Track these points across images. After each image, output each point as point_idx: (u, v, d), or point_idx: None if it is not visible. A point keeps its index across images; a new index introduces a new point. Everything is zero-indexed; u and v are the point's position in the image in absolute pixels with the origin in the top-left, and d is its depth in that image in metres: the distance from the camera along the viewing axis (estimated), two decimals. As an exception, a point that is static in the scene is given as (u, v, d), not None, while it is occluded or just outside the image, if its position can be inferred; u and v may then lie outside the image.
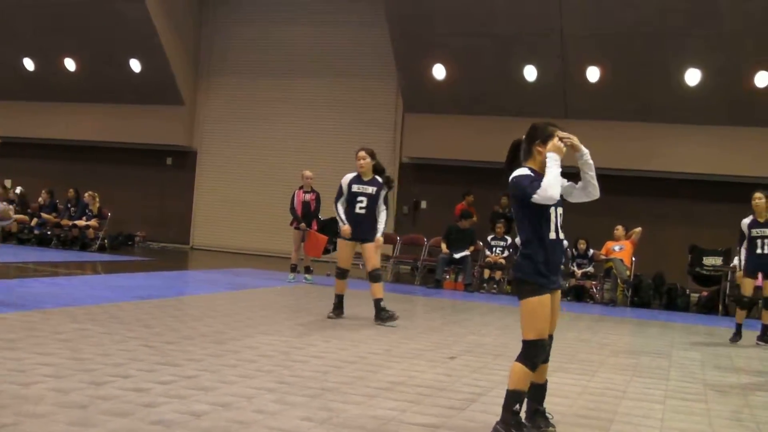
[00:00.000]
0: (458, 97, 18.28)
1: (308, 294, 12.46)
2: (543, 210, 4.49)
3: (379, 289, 9.26)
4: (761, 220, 10.02)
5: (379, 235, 9.34)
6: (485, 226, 16.72)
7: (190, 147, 21.83)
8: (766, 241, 9.96)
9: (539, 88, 17.47)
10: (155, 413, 4.50)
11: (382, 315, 9.24)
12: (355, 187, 9.34)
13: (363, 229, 9.30)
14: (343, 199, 9.45)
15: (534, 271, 4.48)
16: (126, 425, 4.22)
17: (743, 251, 10.25)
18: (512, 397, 4.44)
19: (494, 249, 15.78)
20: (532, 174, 4.49)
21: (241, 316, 8.96)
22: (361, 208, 9.29)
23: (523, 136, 4.69)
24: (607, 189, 19.95)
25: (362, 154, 9.37)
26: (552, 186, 4.37)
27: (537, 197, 4.37)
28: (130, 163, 22.06)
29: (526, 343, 4.47)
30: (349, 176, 9.44)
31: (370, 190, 9.32)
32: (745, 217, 10.22)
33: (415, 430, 4.61)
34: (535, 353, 4.47)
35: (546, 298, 4.47)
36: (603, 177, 17.96)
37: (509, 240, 15.67)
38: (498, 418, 4.49)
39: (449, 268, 15.80)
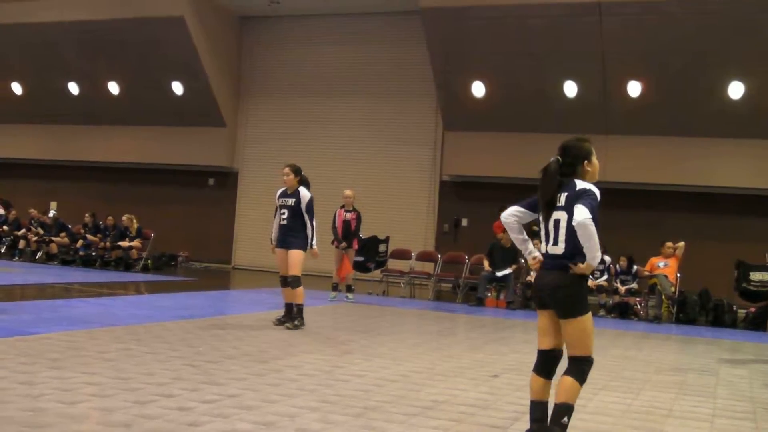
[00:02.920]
0: (498, 114, 18.24)
1: (349, 313, 12.46)
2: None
3: (295, 294, 9.76)
4: None
5: (314, 246, 9.88)
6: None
7: (231, 167, 22.04)
8: None
9: (580, 104, 17.37)
10: (198, 432, 4.52)
11: (296, 320, 9.75)
12: (279, 200, 9.95)
13: (287, 237, 9.82)
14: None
15: (587, 288, 4.51)
16: (169, 444, 4.25)
17: None
18: (563, 411, 4.45)
19: (536, 268, 15.63)
20: (597, 195, 4.47)
21: (282, 335, 8.99)
22: (284, 218, 9.83)
23: (558, 158, 4.63)
24: (650, 205, 19.74)
25: (286, 170, 9.99)
26: (593, 242, 4.36)
27: (581, 221, 4.33)
28: (173, 184, 22.33)
29: (584, 360, 4.48)
30: (279, 190, 10.09)
31: (290, 201, 9.83)
32: None
33: (458, 449, 4.58)
34: (590, 370, 4.51)
35: None
36: (645, 192, 17.79)
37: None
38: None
39: (491, 286, 15.71)
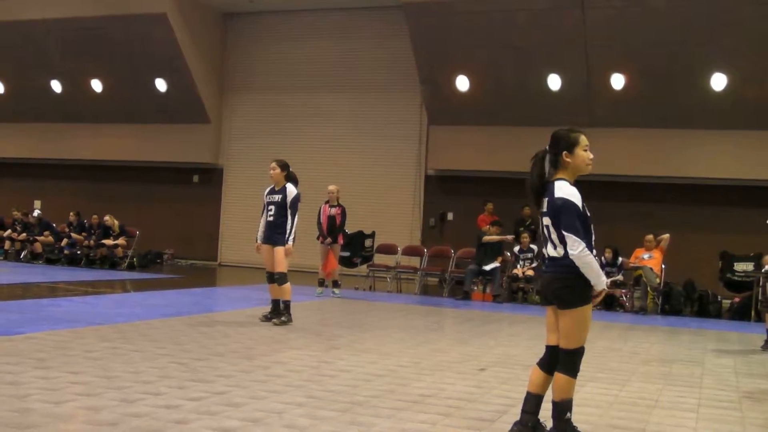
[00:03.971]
0: (483, 108, 18.26)
1: (336, 308, 12.47)
2: (588, 223, 4.49)
3: (282, 291, 9.73)
4: None
5: (289, 242, 9.77)
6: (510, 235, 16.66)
7: (216, 164, 21.99)
8: None
9: (564, 97, 17.42)
10: (186, 430, 4.51)
11: (283, 317, 9.73)
12: (267, 198, 9.95)
13: (273, 234, 9.80)
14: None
15: (587, 281, 4.49)
16: (157, 442, 4.24)
17: None
18: (562, 408, 4.48)
19: (523, 262, 15.67)
20: (577, 204, 4.44)
21: (270, 332, 8.98)
22: (270, 215, 9.82)
23: (547, 147, 4.65)
24: (635, 197, 19.76)
25: (273, 165, 10.00)
26: (592, 269, 4.39)
27: (574, 256, 4.37)
28: (157, 181, 22.26)
29: (572, 352, 4.47)
30: (266, 188, 10.09)
31: (277, 198, 9.81)
32: None
33: (446, 443, 4.59)
34: (579, 360, 4.51)
35: None
36: (629, 185, 17.83)
37: (536, 249, 15.55)
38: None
39: (477, 280, 15.74)
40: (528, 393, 4.65)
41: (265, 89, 21.61)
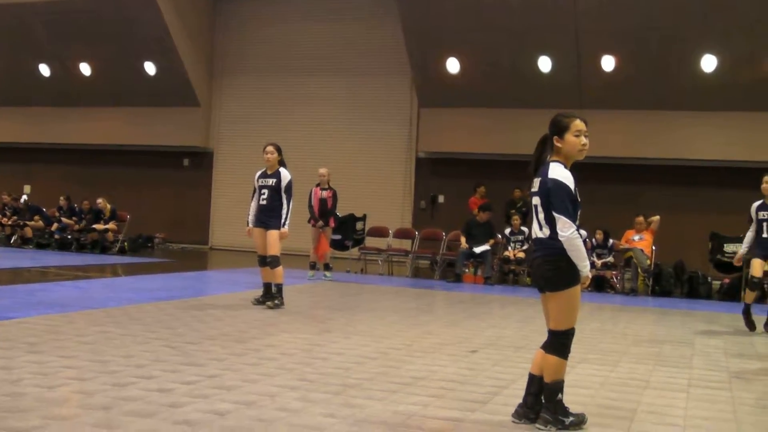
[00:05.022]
0: (473, 90, 18.24)
1: (328, 291, 12.48)
2: (577, 205, 4.50)
3: (274, 274, 9.72)
4: None
5: (285, 226, 9.76)
6: (502, 218, 16.68)
7: (206, 148, 21.92)
8: None
9: (554, 79, 17.40)
10: (179, 413, 4.52)
11: (275, 300, 9.72)
12: (259, 182, 9.91)
13: (266, 217, 9.77)
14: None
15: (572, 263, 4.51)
16: (150, 426, 4.24)
17: (750, 234, 10.19)
18: (554, 389, 4.51)
19: (514, 244, 15.70)
20: (569, 186, 4.46)
21: (262, 315, 8.99)
22: (263, 199, 9.79)
23: (548, 132, 4.67)
24: (625, 178, 19.78)
25: (270, 149, 9.94)
26: (580, 253, 4.43)
27: (564, 239, 4.40)
28: (147, 165, 22.19)
29: (561, 333, 4.50)
30: (258, 172, 10.03)
31: (271, 182, 9.79)
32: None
33: (438, 425, 4.60)
34: (570, 342, 4.54)
35: None
36: (620, 167, 17.86)
37: (527, 232, 15.57)
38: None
39: (469, 262, 15.77)
40: (531, 374, 4.67)
41: (255, 72, 21.52)
